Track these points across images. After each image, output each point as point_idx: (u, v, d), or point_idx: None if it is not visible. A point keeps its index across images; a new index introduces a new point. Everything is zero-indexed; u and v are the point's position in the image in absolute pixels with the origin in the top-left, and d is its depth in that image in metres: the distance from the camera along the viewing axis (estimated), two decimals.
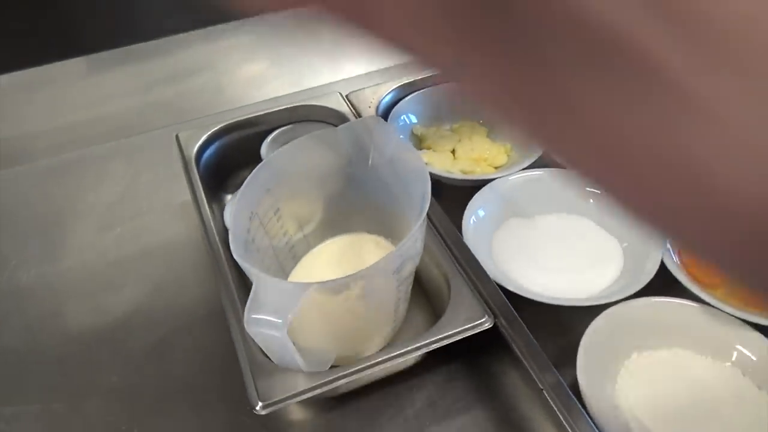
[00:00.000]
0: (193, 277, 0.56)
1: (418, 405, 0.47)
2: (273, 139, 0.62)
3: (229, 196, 0.62)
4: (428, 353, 0.47)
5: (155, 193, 0.65)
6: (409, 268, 0.44)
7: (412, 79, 0.65)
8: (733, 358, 0.45)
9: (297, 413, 0.47)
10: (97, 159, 0.69)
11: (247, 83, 0.82)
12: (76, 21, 0.85)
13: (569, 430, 0.38)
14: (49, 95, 0.81)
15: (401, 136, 0.58)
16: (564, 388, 0.40)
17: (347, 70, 0.78)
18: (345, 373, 0.41)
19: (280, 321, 0.36)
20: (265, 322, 0.37)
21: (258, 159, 0.61)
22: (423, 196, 0.43)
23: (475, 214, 0.53)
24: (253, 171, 0.46)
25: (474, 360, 0.49)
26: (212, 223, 0.52)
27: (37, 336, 0.52)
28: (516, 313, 0.44)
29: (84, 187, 0.66)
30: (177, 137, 0.60)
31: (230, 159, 0.62)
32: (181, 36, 0.90)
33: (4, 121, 0.76)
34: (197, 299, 0.55)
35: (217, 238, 0.51)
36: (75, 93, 0.81)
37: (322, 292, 0.39)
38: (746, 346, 0.44)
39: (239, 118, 0.62)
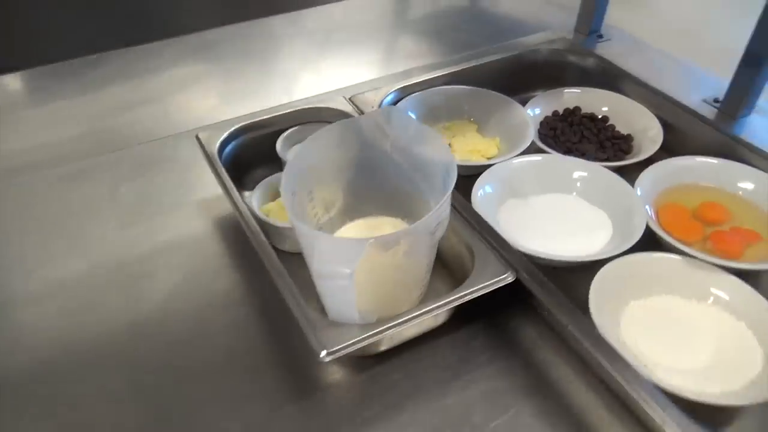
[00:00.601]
0: (223, 263, 0.60)
1: (449, 359, 0.52)
2: (286, 138, 0.67)
3: (247, 193, 0.66)
4: (452, 315, 0.53)
5: (170, 194, 0.68)
6: (441, 232, 0.49)
7: (409, 83, 0.72)
8: (711, 299, 0.53)
9: (337, 373, 0.51)
10: (108, 166, 0.72)
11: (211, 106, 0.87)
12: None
13: (597, 357, 0.44)
14: (49, 110, 0.83)
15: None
16: (585, 323, 0.46)
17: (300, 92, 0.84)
18: (394, 323, 0.46)
19: (348, 271, 0.41)
20: (335, 273, 0.42)
21: (271, 157, 0.66)
22: (448, 168, 0.49)
23: (483, 189, 0.60)
24: (292, 156, 0.51)
25: (493, 319, 0.55)
26: (245, 207, 0.56)
27: (82, 323, 0.54)
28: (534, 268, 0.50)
29: (98, 192, 0.69)
30: (198, 137, 0.64)
31: (246, 157, 0.66)
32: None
33: (13, 132, 0.78)
34: (230, 283, 0.58)
35: (252, 219, 0.55)
36: (77, 107, 0.83)
37: (376, 246, 0.44)
38: (721, 287, 0.53)
39: (253, 120, 0.67)
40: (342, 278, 0.42)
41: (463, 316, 0.54)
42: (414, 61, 0.92)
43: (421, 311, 0.47)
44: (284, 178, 0.49)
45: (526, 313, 0.55)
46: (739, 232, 0.58)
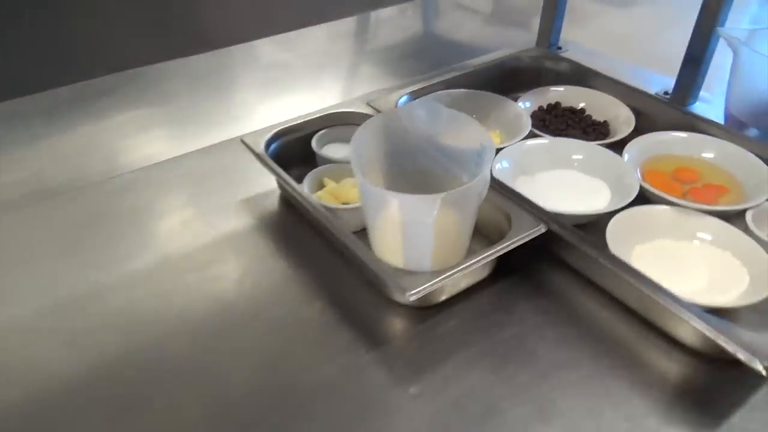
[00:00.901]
0: (280, 247, 0.67)
1: (495, 305, 0.61)
2: (318, 138, 0.76)
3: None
4: (491, 271, 0.63)
5: (214, 197, 0.75)
6: (483, 194, 0.59)
7: (417, 87, 0.83)
8: (700, 237, 0.64)
9: (401, 324, 0.59)
10: (147, 180, 0.78)
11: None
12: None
13: (626, 277, 0.55)
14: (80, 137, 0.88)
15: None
16: (615, 257, 0.57)
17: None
18: (463, 266, 0.55)
19: (430, 220, 0.50)
20: (419, 222, 0.50)
21: (303, 156, 0.75)
22: (483, 141, 0.59)
23: (500, 164, 0.70)
24: (352, 142, 0.59)
25: (525, 273, 0.64)
26: (306, 193, 0.64)
27: (171, 303, 0.60)
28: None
29: (146, 201, 0.75)
30: (244, 141, 0.72)
31: (284, 157, 0.74)
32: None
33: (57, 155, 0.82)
34: (291, 262, 0.66)
35: (316, 201, 0.63)
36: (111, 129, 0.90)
37: (444, 202, 0.53)
38: (707, 227, 0.64)
39: (289, 125, 0.76)
40: (424, 227, 0.50)
41: (498, 273, 0.64)
42: (376, 84, 1.02)
43: (485, 254, 0.56)
44: (353, 161, 0.57)
45: (551, 266, 0.65)
46: (710, 187, 0.70)
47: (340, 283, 0.63)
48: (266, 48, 1.28)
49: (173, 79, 1.10)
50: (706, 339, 0.51)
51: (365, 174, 0.62)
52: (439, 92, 0.84)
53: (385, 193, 0.53)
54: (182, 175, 0.79)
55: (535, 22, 1.06)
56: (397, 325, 0.60)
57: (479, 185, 0.56)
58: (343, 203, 0.68)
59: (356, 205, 0.66)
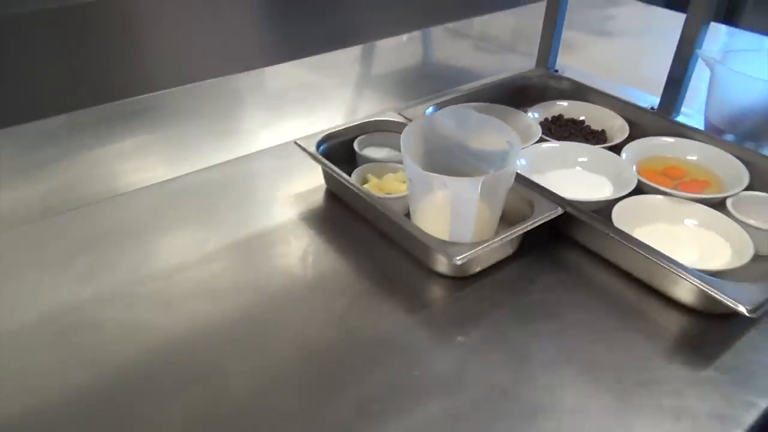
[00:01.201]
0: (330, 234, 0.78)
1: (520, 277, 0.72)
2: (359, 142, 0.88)
3: None
4: (515, 249, 0.74)
5: (268, 194, 0.86)
6: (511, 182, 0.70)
7: (441, 100, 0.95)
8: (688, 221, 0.77)
9: (439, 293, 0.70)
10: (200, 183, 0.89)
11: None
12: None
13: (634, 248, 0.66)
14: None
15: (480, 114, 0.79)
16: (623, 231, 0.68)
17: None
18: (500, 237, 0.66)
19: (476, 197, 0.62)
20: (466, 198, 0.62)
21: (345, 158, 0.86)
22: (510, 138, 0.71)
23: (519, 162, 0.82)
24: (402, 141, 0.70)
25: (543, 252, 0.75)
26: (357, 183, 0.76)
27: (249, 274, 0.71)
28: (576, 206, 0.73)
29: (206, 201, 0.85)
30: (297, 143, 0.83)
31: (330, 156, 0.85)
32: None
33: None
34: (341, 244, 0.76)
35: (366, 189, 0.74)
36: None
37: (482, 185, 0.65)
38: (695, 212, 0.77)
39: (334, 130, 0.87)
40: (470, 203, 0.62)
41: (520, 251, 0.75)
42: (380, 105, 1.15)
43: (518, 228, 0.68)
44: (404, 154, 0.69)
45: (565, 246, 0.76)
46: (696, 181, 0.83)
47: (384, 260, 0.74)
48: (276, 73, 1.40)
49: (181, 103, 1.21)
50: (701, 294, 0.63)
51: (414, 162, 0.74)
52: (460, 104, 0.96)
53: (437, 177, 0.65)
54: (242, 176, 0.90)
55: (521, 46, 1.20)
56: (437, 292, 0.70)
57: (509, 173, 0.68)
58: (386, 194, 0.79)
59: (398, 195, 0.77)
